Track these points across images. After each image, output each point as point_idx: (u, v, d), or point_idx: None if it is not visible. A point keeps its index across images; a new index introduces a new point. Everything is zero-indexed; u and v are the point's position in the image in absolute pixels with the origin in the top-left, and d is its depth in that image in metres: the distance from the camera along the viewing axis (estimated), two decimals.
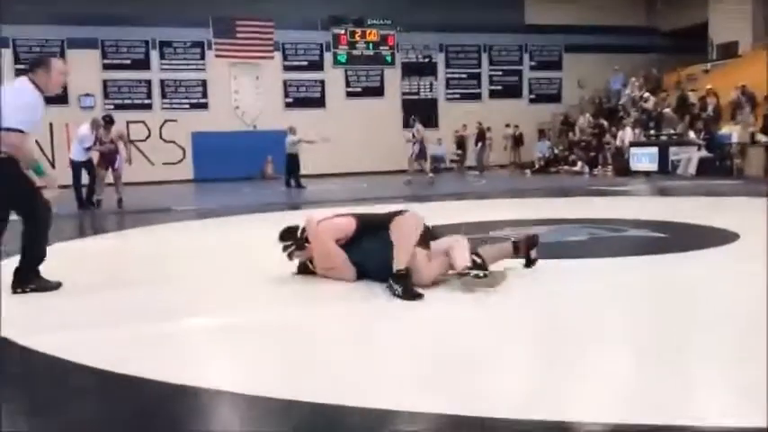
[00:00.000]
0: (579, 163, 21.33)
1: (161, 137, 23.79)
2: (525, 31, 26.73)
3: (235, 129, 23.92)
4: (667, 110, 20.02)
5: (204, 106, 24.24)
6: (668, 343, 3.19)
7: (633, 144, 19.60)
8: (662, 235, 6.77)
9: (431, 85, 26.48)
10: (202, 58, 24.17)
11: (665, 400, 2.46)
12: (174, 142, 23.84)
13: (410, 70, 26.18)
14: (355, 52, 25.50)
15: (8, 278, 4.62)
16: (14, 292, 4.58)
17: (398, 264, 4.17)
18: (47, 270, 4.73)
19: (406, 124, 19.18)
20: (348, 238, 4.67)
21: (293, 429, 2.38)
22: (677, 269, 5.12)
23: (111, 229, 9.93)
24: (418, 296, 4.03)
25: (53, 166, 20.14)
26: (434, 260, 4.51)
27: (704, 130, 17.67)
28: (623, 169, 18.84)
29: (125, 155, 12.97)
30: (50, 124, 21.67)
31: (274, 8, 23.39)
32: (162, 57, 23.92)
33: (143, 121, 23.38)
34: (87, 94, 22.79)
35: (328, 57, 25.33)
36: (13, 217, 4.65)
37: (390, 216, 4.47)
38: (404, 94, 26.11)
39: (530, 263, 4.93)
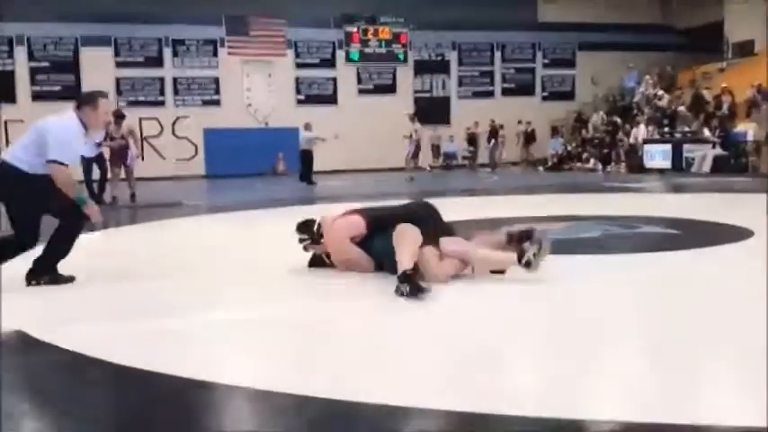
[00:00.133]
0: (592, 160, 21.24)
1: (173, 133, 23.90)
2: (538, 28, 26.63)
3: (247, 126, 23.98)
4: (682, 108, 19.90)
5: (217, 103, 24.32)
6: (681, 340, 3.16)
7: (647, 141, 19.51)
8: (675, 232, 6.72)
9: (443, 82, 26.44)
10: (215, 55, 24.24)
11: (679, 399, 2.43)
12: (186, 138, 23.94)
13: (423, 68, 26.16)
14: (368, 50, 25.51)
15: (7, 279, 4.63)
16: (29, 283, 4.61)
17: (402, 265, 4.14)
18: (60, 263, 4.75)
19: (420, 121, 19.11)
20: (362, 236, 4.71)
21: (307, 424, 2.36)
22: (691, 266, 5.08)
23: (124, 222, 9.96)
24: (424, 291, 3.97)
25: None
26: (447, 260, 4.49)
27: (719, 128, 17.56)
28: (637, 166, 18.75)
29: (136, 150, 12.99)
30: None
31: (287, 6, 23.43)
32: (175, 54, 24.01)
33: (156, 118, 23.49)
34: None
35: (340, 54, 25.34)
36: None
37: (396, 216, 4.54)
38: (416, 91, 26.09)
39: (526, 262, 4.33)
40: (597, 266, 5.11)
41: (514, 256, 4.35)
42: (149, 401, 2.60)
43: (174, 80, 24.00)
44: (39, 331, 3.46)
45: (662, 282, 4.54)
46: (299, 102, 24.92)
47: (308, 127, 18.19)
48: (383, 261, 4.57)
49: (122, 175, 12.82)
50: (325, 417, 2.39)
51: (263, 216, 9.94)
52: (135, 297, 4.40)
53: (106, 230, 7.98)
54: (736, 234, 6.23)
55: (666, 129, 19.80)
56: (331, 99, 25.24)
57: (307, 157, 17.87)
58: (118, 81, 23.43)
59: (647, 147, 19.21)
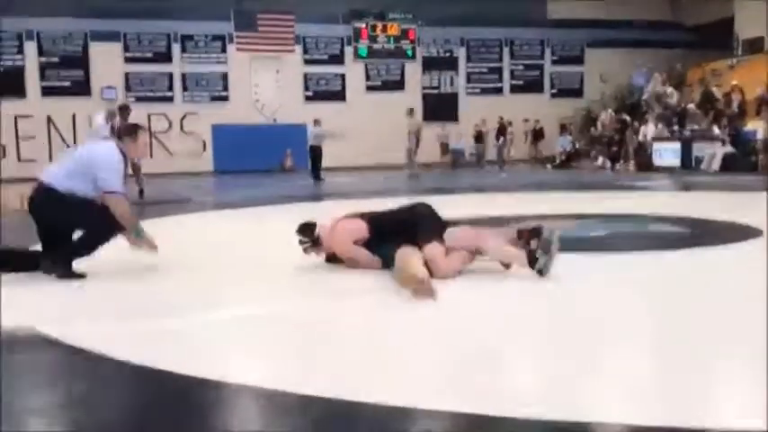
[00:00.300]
0: (600, 158, 21.16)
1: (182, 129, 23.95)
2: (547, 25, 26.53)
3: (255, 122, 24.00)
4: (691, 105, 19.80)
5: (225, 99, 24.35)
6: (689, 339, 3.14)
7: (656, 139, 19.42)
8: (684, 230, 6.69)
9: (452, 79, 26.39)
10: (223, 51, 24.27)
11: (688, 401, 2.42)
12: (194, 134, 23.98)
13: (431, 64, 26.11)
14: (376, 46, 25.48)
15: (8, 276, 4.65)
16: (43, 270, 4.64)
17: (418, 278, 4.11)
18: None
19: (428, 118, 19.08)
20: (365, 239, 4.76)
21: (307, 424, 2.35)
22: (700, 265, 5.05)
23: None
24: (429, 293, 3.94)
25: None
26: (454, 253, 4.49)
27: (729, 126, 17.46)
28: (646, 164, 18.67)
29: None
30: (73, 115, 21.95)
31: (295, 2, 23.44)
32: (183, 50, 24.05)
33: (164, 114, 23.54)
34: (109, 87, 22.96)
35: (349, 50, 25.32)
36: None
37: (396, 220, 4.69)
38: (424, 88, 26.04)
39: (538, 270, 4.34)
40: (605, 265, 5.09)
41: (524, 255, 4.35)
42: (152, 399, 2.60)
43: (183, 75, 24.04)
44: (48, 328, 3.45)
45: (670, 280, 4.52)
46: (308, 98, 24.92)
47: (317, 123, 18.21)
48: (388, 260, 4.57)
49: (130, 171, 12.83)
50: (325, 417, 2.38)
51: (270, 212, 9.95)
52: (139, 294, 4.41)
53: None
54: (745, 233, 6.19)
55: (676, 127, 19.70)
56: (339, 95, 25.23)
57: (315, 153, 17.89)
58: (127, 76, 23.49)
59: (656, 145, 19.12)
